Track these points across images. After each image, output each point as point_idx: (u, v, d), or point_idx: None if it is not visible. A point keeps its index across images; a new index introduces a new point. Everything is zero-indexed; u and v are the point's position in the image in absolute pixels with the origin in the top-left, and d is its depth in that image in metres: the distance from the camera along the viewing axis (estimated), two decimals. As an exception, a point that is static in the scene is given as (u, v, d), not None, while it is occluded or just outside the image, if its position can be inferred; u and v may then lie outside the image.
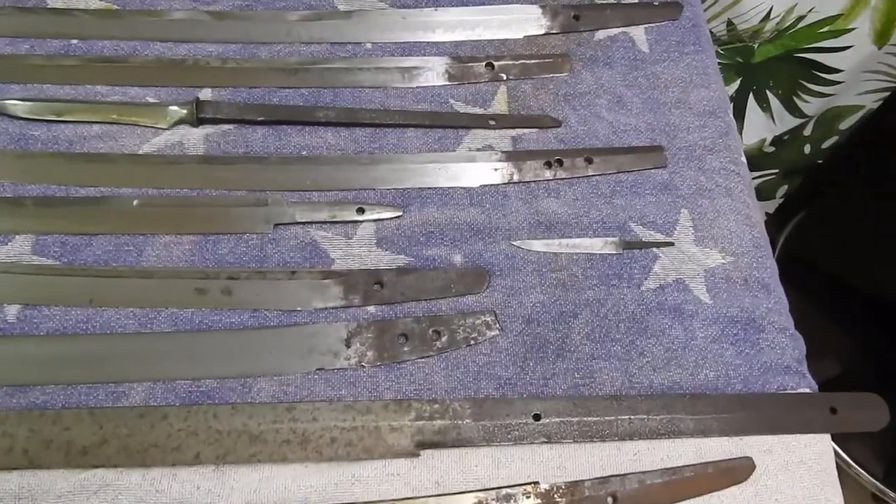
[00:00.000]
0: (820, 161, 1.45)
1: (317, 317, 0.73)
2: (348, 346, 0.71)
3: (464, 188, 0.81)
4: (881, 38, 1.20)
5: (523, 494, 0.65)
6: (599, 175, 0.82)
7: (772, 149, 1.44)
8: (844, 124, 1.35)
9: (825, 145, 1.41)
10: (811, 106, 1.33)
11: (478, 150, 0.83)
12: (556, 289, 0.75)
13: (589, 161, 0.82)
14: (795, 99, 1.33)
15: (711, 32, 1.00)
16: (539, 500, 0.65)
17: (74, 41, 0.87)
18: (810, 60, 1.26)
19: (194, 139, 0.82)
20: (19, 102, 0.81)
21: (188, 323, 0.72)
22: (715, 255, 0.78)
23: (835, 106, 1.33)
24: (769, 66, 1.29)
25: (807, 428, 0.70)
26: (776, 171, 1.50)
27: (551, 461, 0.67)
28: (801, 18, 1.20)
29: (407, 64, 0.88)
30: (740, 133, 1.35)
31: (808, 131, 1.40)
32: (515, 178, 0.81)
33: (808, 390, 0.72)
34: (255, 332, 0.72)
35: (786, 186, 1.53)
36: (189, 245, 0.76)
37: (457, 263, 0.76)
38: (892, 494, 1.35)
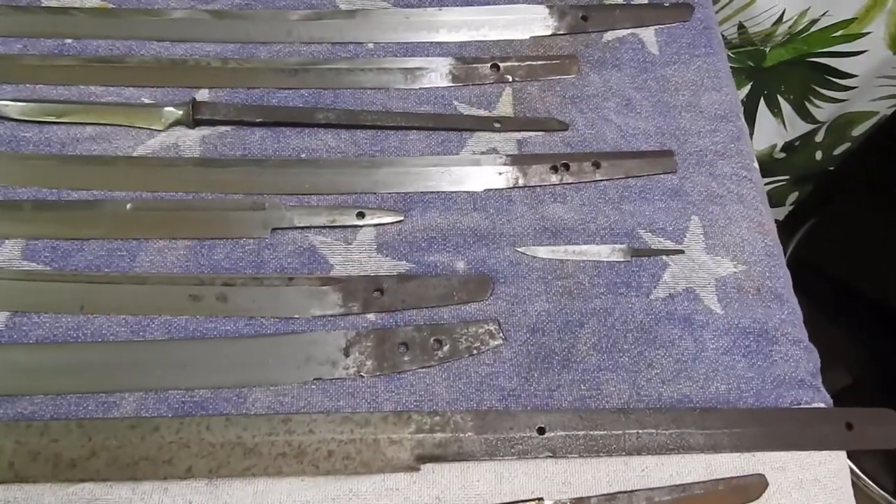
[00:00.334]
0: (831, 168, 1.42)
1: (315, 325, 0.71)
2: (347, 356, 0.69)
3: (467, 192, 0.79)
4: (897, 43, 1.18)
5: (527, 511, 0.63)
6: (607, 180, 0.80)
7: (782, 155, 1.42)
8: (857, 130, 1.33)
9: (837, 152, 1.39)
10: (823, 111, 1.31)
11: (482, 153, 0.81)
12: (562, 297, 0.73)
13: (596, 165, 0.80)
14: (807, 104, 1.31)
15: (722, 35, 0.98)
16: (543, 518, 0.63)
17: (68, 41, 0.85)
18: (823, 65, 1.24)
19: (190, 141, 0.80)
20: (11, 103, 0.79)
21: (182, 330, 0.70)
22: (726, 263, 0.76)
23: (848, 112, 1.30)
24: (781, 70, 1.27)
25: (821, 444, 0.67)
26: (787, 177, 1.48)
27: (556, 476, 0.65)
28: (814, 22, 1.18)
29: (410, 65, 0.86)
30: (751, 138, 1.33)
31: (819, 137, 1.37)
32: (521, 182, 0.79)
33: (822, 405, 0.70)
34: (250, 340, 0.70)
35: (796, 193, 1.51)
36: (184, 250, 0.74)
37: (459, 270, 0.74)
38: (903, 508, 1.32)
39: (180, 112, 0.80)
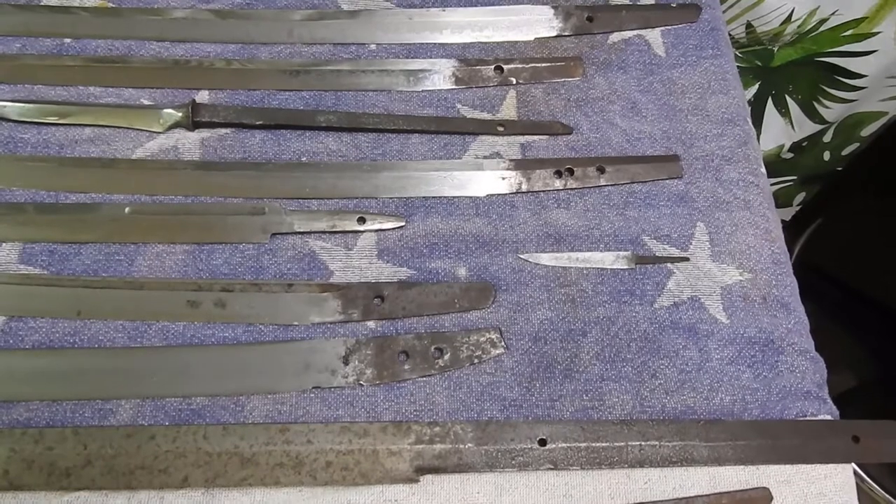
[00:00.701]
0: (839, 168, 1.41)
1: (314, 332, 0.70)
2: (346, 364, 0.68)
3: (470, 198, 0.77)
4: (908, 43, 1.16)
5: (527, 524, 0.62)
6: (612, 185, 0.79)
7: (790, 155, 1.40)
8: (866, 131, 1.31)
9: (845, 152, 1.38)
10: (832, 112, 1.30)
11: (485, 157, 0.80)
12: (565, 305, 0.72)
13: (601, 170, 0.79)
14: (816, 104, 1.30)
15: (730, 35, 0.96)
16: (544, 531, 0.62)
17: (67, 40, 0.84)
18: (832, 65, 1.23)
19: (190, 144, 0.79)
20: (8, 104, 0.78)
21: (179, 337, 0.69)
22: (732, 271, 0.75)
23: (856, 112, 1.29)
24: (789, 70, 1.26)
25: (828, 457, 0.66)
26: (794, 178, 1.46)
27: (557, 489, 0.65)
28: (823, 21, 1.16)
29: (412, 66, 0.85)
30: (758, 139, 1.32)
31: (827, 138, 1.36)
32: (524, 187, 0.78)
33: (829, 417, 0.68)
34: (249, 347, 0.69)
35: (803, 194, 1.50)
36: (182, 255, 0.73)
37: (461, 277, 0.73)
38: (908, 511, 1.31)
39: (180, 114, 0.79)
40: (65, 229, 0.73)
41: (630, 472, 0.65)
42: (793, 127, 1.35)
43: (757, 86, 1.30)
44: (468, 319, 0.71)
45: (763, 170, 0.82)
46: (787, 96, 1.31)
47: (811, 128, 1.34)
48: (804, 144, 1.38)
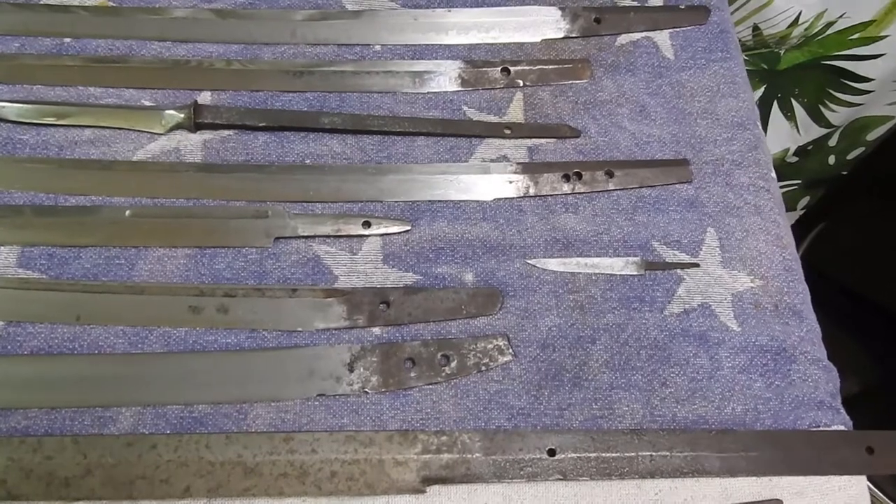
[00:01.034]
0: (844, 172, 1.40)
1: (318, 338, 0.69)
2: (351, 371, 0.67)
3: (476, 202, 0.76)
4: (916, 47, 1.15)
5: (536, 537, 0.61)
6: (620, 190, 0.78)
7: (795, 159, 1.39)
8: (872, 135, 1.31)
9: (851, 156, 1.37)
10: (838, 115, 1.29)
11: (492, 160, 0.79)
12: (574, 312, 0.71)
13: (609, 174, 0.78)
14: (822, 108, 1.29)
15: (736, 37, 0.95)
16: (553, 544, 0.61)
17: (67, 40, 0.83)
18: (839, 68, 1.22)
19: (192, 145, 0.78)
20: (8, 104, 0.77)
21: (181, 343, 0.68)
22: (743, 278, 0.74)
23: (863, 116, 1.28)
24: (795, 73, 1.25)
25: (841, 469, 0.65)
26: (798, 181, 1.45)
27: (566, 500, 0.64)
28: (830, 24, 1.16)
29: (418, 68, 0.83)
30: (764, 143, 1.31)
31: (833, 142, 1.35)
32: (531, 191, 0.77)
33: (842, 427, 0.68)
34: (252, 354, 0.68)
35: (807, 198, 1.49)
36: (184, 259, 0.72)
37: (468, 282, 0.72)
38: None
39: (181, 115, 0.78)
40: (64, 232, 0.72)
41: (641, 483, 0.64)
42: (798, 130, 1.34)
43: (763, 89, 1.29)
44: (475, 326, 0.70)
45: (773, 174, 0.81)
46: (792, 100, 1.30)
47: (817, 131, 1.34)
48: (809, 148, 1.37)
